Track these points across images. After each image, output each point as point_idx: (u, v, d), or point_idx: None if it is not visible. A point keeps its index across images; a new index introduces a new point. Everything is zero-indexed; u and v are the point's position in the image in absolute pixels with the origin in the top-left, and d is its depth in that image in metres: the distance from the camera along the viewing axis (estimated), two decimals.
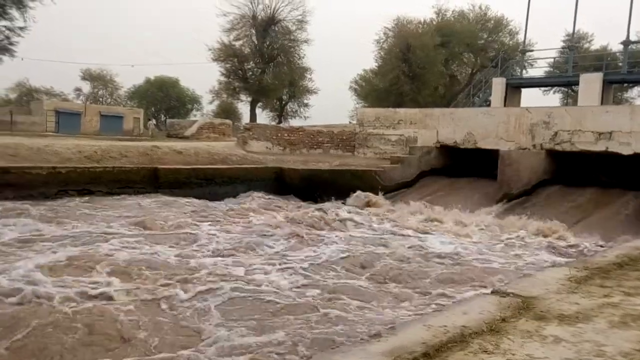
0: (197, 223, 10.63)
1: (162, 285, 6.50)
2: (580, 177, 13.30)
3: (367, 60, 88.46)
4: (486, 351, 2.58)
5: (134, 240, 8.77)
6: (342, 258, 8.45)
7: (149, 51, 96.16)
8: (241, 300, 6.21)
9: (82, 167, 13.41)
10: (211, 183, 14.90)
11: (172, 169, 14.75)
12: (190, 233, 9.67)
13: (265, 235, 9.83)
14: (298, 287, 6.78)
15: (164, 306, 5.88)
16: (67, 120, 38.25)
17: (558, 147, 13.12)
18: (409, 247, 9.46)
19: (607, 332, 2.89)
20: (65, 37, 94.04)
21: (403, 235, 10.77)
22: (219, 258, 8.07)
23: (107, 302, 5.85)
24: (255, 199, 14.40)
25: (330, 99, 51.47)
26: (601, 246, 9.71)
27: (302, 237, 9.74)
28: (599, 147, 12.40)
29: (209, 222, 10.88)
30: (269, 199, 14.72)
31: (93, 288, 6.16)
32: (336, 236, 10.23)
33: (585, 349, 2.64)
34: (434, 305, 6.13)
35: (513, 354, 2.55)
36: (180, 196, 13.75)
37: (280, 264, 7.90)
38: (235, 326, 5.35)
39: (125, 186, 13.59)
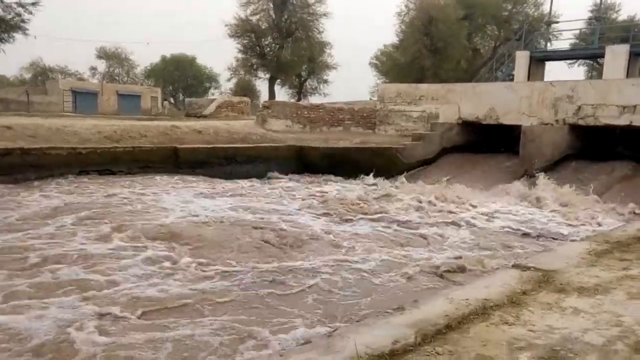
0: None
1: None
2: (604, 151, 13.14)
3: (370, 34, 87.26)
4: (507, 322, 2.66)
5: None
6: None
7: (162, 27, 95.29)
8: None
9: (102, 147, 13.50)
10: (231, 162, 15.01)
11: (192, 148, 14.83)
12: None
13: None
14: None
15: None
16: (84, 99, 38.35)
17: (581, 122, 12.94)
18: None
19: (626, 303, 2.95)
20: (74, 15, 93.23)
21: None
22: None
23: None
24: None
25: (339, 72, 50.84)
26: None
27: None
28: (623, 120, 12.21)
29: None
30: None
31: None
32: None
33: (604, 319, 2.71)
34: None
35: (533, 325, 2.63)
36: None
37: None
38: None
39: (145, 166, 13.73)
